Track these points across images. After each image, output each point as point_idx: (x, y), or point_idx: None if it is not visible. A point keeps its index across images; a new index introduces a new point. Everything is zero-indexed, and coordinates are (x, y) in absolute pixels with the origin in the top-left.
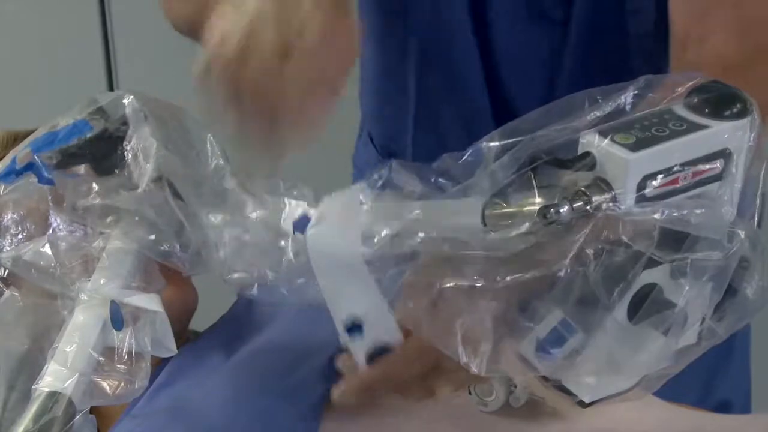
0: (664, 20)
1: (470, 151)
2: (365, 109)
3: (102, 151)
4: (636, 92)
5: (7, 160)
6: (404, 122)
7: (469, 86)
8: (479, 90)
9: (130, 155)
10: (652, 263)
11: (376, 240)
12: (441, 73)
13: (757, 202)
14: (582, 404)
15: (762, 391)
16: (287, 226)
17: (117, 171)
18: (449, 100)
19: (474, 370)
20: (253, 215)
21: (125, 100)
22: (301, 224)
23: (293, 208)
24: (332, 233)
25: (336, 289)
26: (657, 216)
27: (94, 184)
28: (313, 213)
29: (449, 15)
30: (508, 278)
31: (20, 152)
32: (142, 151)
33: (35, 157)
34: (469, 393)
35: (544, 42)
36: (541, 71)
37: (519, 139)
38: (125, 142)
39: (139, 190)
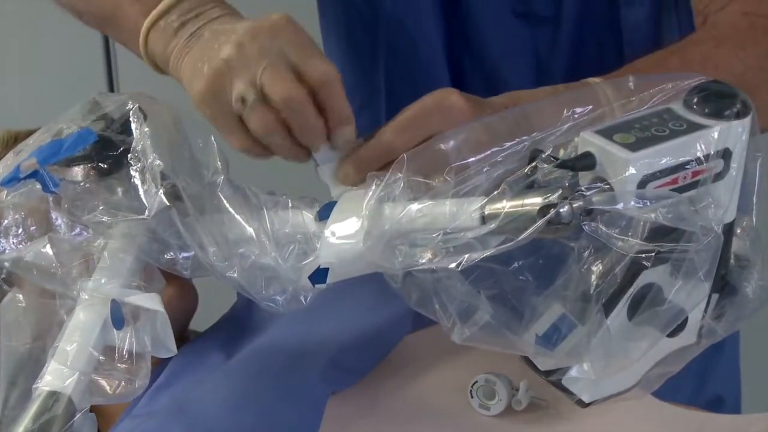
0: (658, 10)
1: None
2: None
3: (103, 153)
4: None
5: (11, 164)
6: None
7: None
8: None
9: (137, 175)
10: (655, 262)
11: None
12: (408, 72)
13: (754, 199)
14: (581, 404)
15: (752, 386)
16: (305, 282)
17: (116, 172)
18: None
19: (454, 339)
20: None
21: (128, 107)
22: (318, 277)
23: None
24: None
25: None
26: (657, 215)
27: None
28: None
29: (415, 6)
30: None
31: (24, 161)
32: (149, 172)
33: (42, 168)
34: (471, 396)
35: (530, 41)
36: (529, 73)
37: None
38: (130, 155)
39: (148, 215)
